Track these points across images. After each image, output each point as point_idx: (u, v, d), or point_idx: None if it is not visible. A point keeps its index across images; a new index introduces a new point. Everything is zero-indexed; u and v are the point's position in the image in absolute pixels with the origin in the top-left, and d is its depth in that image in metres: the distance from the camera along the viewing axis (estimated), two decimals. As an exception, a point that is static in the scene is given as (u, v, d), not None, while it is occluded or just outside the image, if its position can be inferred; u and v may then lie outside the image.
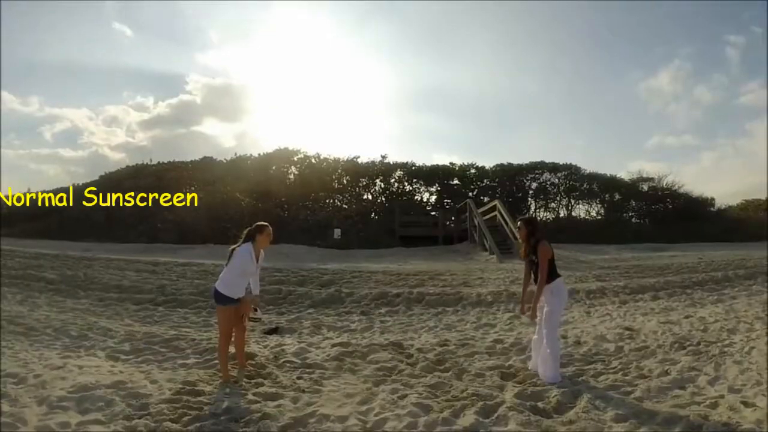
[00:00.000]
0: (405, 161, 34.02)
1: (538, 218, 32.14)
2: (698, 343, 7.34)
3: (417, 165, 33.92)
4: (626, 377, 5.96)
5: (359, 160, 34.09)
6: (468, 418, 4.70)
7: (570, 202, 33.54)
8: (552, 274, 5.93)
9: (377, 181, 33.78)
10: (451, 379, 6.04)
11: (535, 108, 74.16)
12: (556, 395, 5.21)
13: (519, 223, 6.22)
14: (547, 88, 73.60)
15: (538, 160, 34.19)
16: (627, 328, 8.36)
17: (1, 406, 4.83)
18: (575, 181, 33.55)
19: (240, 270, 6.01)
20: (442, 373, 6.26)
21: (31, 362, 6.72)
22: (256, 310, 6.32)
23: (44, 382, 5.83)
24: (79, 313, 10.59)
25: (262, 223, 6.29)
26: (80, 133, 72.98)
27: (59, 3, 72.48)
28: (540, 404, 5.02)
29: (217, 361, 6.61)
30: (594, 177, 33.84)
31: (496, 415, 4.76)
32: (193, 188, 33.30)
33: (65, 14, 72.95)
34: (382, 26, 75.51)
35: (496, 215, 23.40)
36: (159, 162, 37.06)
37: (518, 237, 6.47)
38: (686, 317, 9.29)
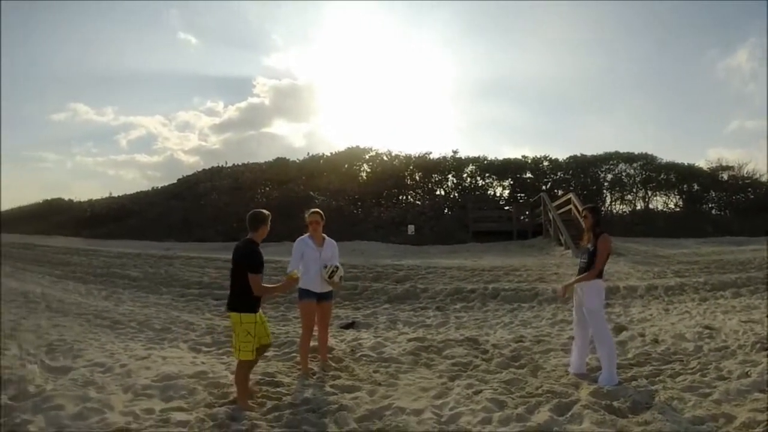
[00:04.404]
0: (477, 155, 33.90)
1: (614, 211, 31.37)
2: (782, 343, 7.04)
3: (489, 159, 33.72)
4: (704, 378, 5.76)
5: (431, 156, 34.12)
6: (542, 415, 4.71)
7: (647, 193, 32.27)
8: (598, 273, 5.89)
9: (449, 176, 33.73)
10: (526, 375, 6.08)
11: (606, 94, 71.90)
12: (632, 395, 5.13)
13: (584, 211, 6.21)
14: (618, 72, 71.04)
15: (612, 150, 33.27)
16: (707, 327, 8.07)
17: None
18: (651, 172, 32.18)
19: (296, 258, 6.30)
20: (517, 370, 6.31)
21: (117, 353, 7.19)
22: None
23: (130, 371, 6.24)
24: (161, 307, 11.31)
25: (311, 211, 6.56)
26: (155, 139, 76.35)
27: (126, 18, 75.58)
28: (615, 403, 4.94)
29: (295, 354, 6.94)
30: (671, 166, 32.32)
31: (570, 413, 4.74)
32: (267, 188, 34.15)
33: (132, 28, 76.02)
34: (441, 15, 74.99)
35: (570, 209, 22.92)
36: (234, 164, 38.10)
37: (583, 225, 6.40)
38: (770, 315, 8.93)
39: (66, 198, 53.18)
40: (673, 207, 32.06)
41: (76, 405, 5.09)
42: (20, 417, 4.82)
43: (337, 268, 6.24)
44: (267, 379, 5.98)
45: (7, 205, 60.16)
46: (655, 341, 7.42)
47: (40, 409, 5.01)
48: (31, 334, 8.38)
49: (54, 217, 45.99)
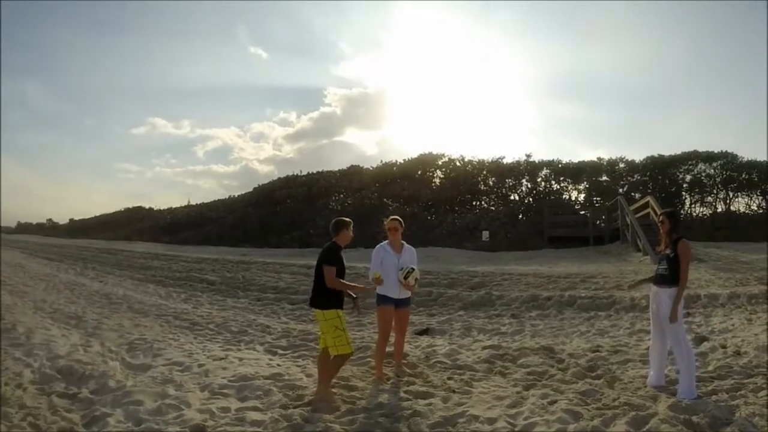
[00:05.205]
0: (551, 159, 33.43)
1: (694, 214, 30.23)
2: None
3: (563, 162, 33.15)
4: (788, 394, 5.41)
5: (504, 161, 33.91)
6: (618, 428, 4.61)
7: (728, 194, 30.48)
8: (678, 279, 5.66)
9: (523, 181, 33.43)
10: (603, 386, 5.94)
11: (683, 88, 69.28)
12: (711, 410, 4.90)
13: (661, 216, 6.02)
14: (697, 68, 68.38)
15: (691, 149, 31.77)
16: (792, 339, 7.68)
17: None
18: (732, 171, 30.26)
19: (375, 264, 6.36)
20: (594, 380, 6.19)
21: (195, 353, 7.58)
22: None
23: (207, 370, 6.57)
24: (238, 311, 11.73)
25: (390, 218, 6.66)
26: (230, 150, 79.22)
27: (199, 35, 78.87)
28: (694, 418, 4.72)
29: (369, 359, 7.05)
30: (753, 165, 30.07)
31: (647, 426, 4.61)
32: (341, 195, 34.79)
33: (205, 44, 79.16)
34: (508, 12, 74.23)
35: (649, 212, 22.27)
36: (308, 172, 38.94)
37: (660, 230, 6.25)
38: None
39: (146, 206, 56.08)
40: (755, 209, 30.09)
41: (154, 401, 5.42)
42: (100, 410, 5.16)
43: (413, 269, 6.31)
44: (341, 383, 6.10)
45: (93, 213, 63.74)
46: (737, 353, 7.04)
47: (120, 403, 5.36)
48: (113, 332, 8.96)
49: (135, 225, 48.56)
